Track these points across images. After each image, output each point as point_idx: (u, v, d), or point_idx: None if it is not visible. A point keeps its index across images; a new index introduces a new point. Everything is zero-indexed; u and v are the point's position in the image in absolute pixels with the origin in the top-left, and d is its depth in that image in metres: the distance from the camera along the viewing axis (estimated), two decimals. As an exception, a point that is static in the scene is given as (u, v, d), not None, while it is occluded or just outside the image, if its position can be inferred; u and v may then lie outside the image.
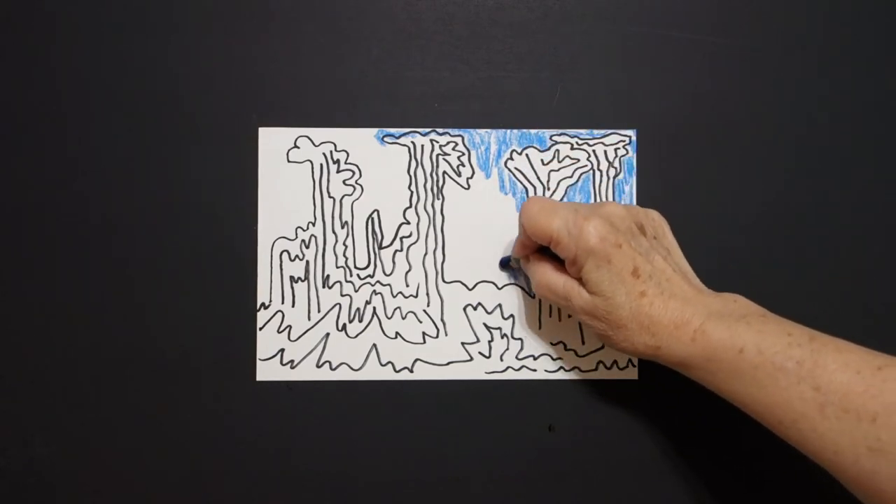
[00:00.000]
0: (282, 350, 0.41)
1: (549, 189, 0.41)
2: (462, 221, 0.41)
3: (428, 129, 0.41)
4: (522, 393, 0.41)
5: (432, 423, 0.41)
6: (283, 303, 0.41)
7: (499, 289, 0.41)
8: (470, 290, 0.41)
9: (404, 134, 0.41)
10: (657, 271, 0.33)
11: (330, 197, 0.41)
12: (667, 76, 0.41)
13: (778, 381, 0.29)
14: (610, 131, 0.41)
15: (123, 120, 0.41)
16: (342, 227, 0.41)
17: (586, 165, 0.41)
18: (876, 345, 0.29)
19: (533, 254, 0.37)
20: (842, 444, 0.27)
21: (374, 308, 0.41)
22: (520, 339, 0.41)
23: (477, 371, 0.41)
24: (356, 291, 0.41)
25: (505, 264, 0.41)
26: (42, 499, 0.40)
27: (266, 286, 0.41)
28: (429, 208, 0.41)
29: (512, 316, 0.41)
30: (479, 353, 0.41)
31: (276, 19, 0.41)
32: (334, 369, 0.41)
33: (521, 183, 0.41)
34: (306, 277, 0.41)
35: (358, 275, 0.41)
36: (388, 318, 0.41)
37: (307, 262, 0.41)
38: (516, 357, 0.41)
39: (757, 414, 0.30)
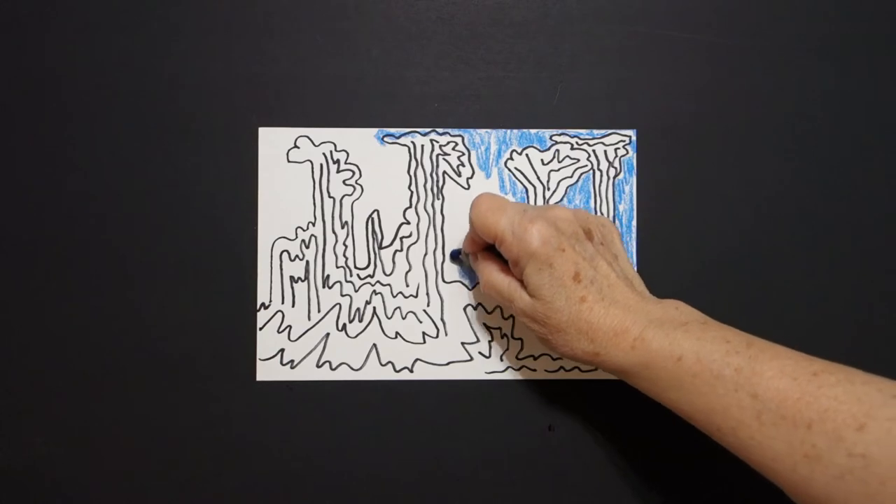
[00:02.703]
0: (282, 350, 0.41)
1: (549, 189, 0.41)
2: (462, 221, 0.41)
3: (428, 129, 0.41)
4: (522, 393, 0.41)
5: (432, 423, 0.41)
6: (283, 303, 0.41)
7: (499, 289, 0.41)
8: (470, 290, 0.41)
9: (404, 134, 0.41)
10: (600, 276, 0.33)
11: (330, 197, 0.41)
12: (667, 76, 0.41)
13: (716, 389, 0.29)
14: (610, 131, 0.41)
15: (123, 120, 0.41)
16: (342, 227, 0.41)
17: (586, 165, 0.41)
18: (872, 346, 0.29)
19: (481, 252, 0.37)
20: (779, 451, 0.27)
21: (374, 308, 0.41)
22: (520, 339, 0.41)
23: (477, 371, 0.41)
24: (356, 291, 0.41)
25: (455, 257, 0.41)
26: (42, 499, 0.40)
27: (266, 286, 0.41)
28: (429, 208, 0.41)
29: (512, 316, 0.41)
30: (479, 353, 0.41)
31: (276, 19, 0.41)
32: (334, 369, 0.41)
33: (521, 183, 0.41)
34: (306, 277, 0.41)
35: (358, 275, 0.41)
36: (388, 318, 0.41)
37: (307, 262, 0.41)
38: (516, 357, 0.41)
39: (696, 422, 0.30)
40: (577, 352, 0.33)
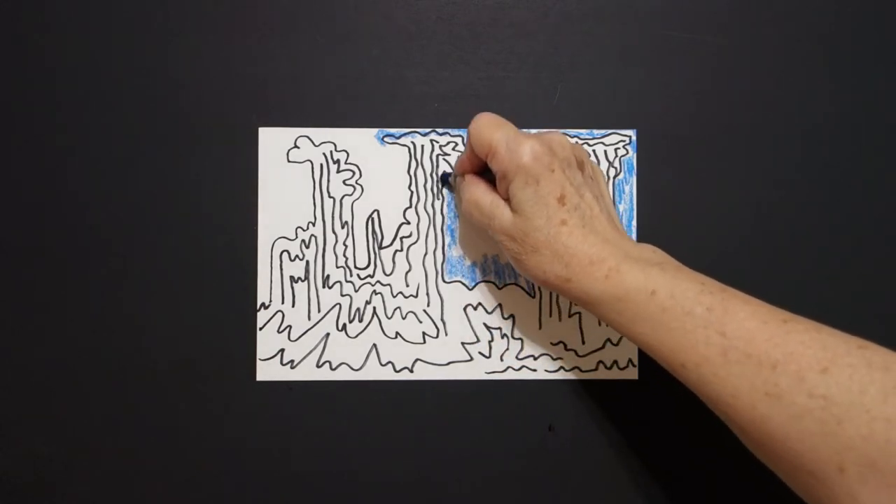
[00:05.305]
0: (282, 350, 0.41)
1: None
2: (462, 221, 0.41)
3: (428, 129, 0.41)
4: (522, 393, 0.41)
5: (432, 423, 0.41)
6: (283, 303, 0.41)
7: (499, 289, 0.41)
8: (470, 290, 0.41)
9: (404, 134, 0.41)
10: (584, 204, 0.33)
11: (330, 197, 0.41)
12: (667, 76, 0.41)
13: (685, 325, 0.29)
14: (610, 131, 0.41)
15: (123, 120, 0.41)
16: (342, 227, 0.41)
17: (586, 165, 0.41)
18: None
19: (469, 175, 0.37)
20: (741, 388, 0.28)
21: (374, 308, 0.41)
22: (520, 339, 0.41)
23: (477, 371, 0.41)
24: (356, 291, 0.41)
25: (444, 180, 0.41)
26: (42, 499, 0.40)
27: (266, 286, 0.41)
28: (429, 208, 0.41)
29: (512, 316, 0.41)
30: (479, 353, 0.41)
31: (276, 19, 0.41)
32: (334, 369, 0.41)
33: (521, 183, 0.41)
34: (306, 277, 0.41)
35: (358, 275, 0.41)
36: (388, 318, 0.41)
37: (307, 262, 0.41)
38: (516, 357, 0.41)
39: (661, 356, 0.30)
40: (548, 275, 0.33)
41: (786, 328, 0.28)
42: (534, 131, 0.41)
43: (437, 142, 0.41)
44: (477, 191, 0.35)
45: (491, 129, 0.34)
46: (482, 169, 0.37)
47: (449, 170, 0.41)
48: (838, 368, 0.26)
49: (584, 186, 0.34)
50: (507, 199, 0.34)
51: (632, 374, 0.41)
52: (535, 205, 0.32)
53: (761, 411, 0.27)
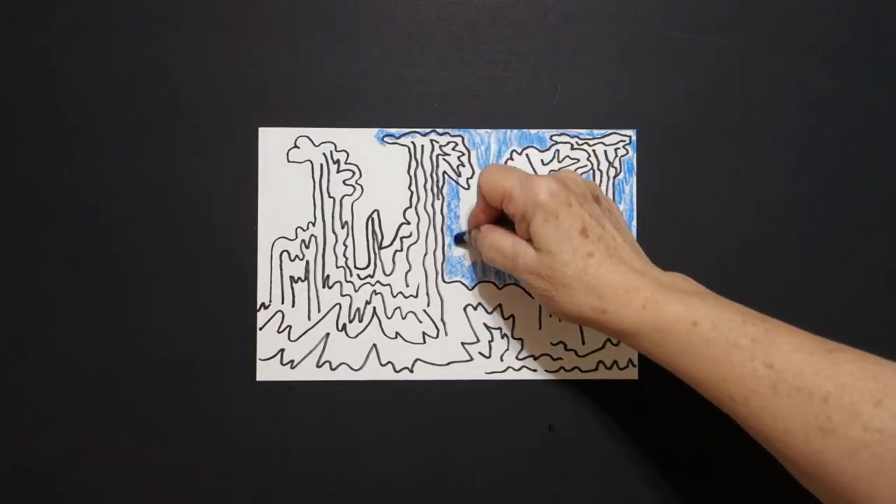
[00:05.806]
0: (282, 350, 0.41)
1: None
2: (462, 222, 0.41)
3: (428, 129, 0.41)
4: (522, 393, 0.41)
5: (432, 423, 0.41)
6: (283, 303, 0.41)
7: (499, 289, 0.41)
8: (470, 290, 0.41)
9: (404, 134, 0.41)
10: (607, 235, 0.33)
11: (330, 197, 0.41)
12: (667, 76, 0.41)
13: (731, 357, 0.28)
14: (610, 131, 0.41)
15: (124, 120, 0.41)
16: (342, 227, 0.41)
17: (586, 165, 0.41)
18: (873, 347, 0.28)
19: (485, 225, 0.37)
20: (792, 422, 0.27)
21: (374, 308, 0.41)
22: (520, 339, 0.41)
23: (477, 371, 0.41)
24: (356, 291, 0.41)
25: (459, 239, 0.41)
26: (42, 499, 0.40)
27: (266, 286, 0.41)
28: (429, 208, 0.41)
29: (512, 316, 0.41)
30: (479, 353, 0.41)
31: (276, 19, 0.41)
32: (334, 369, 0.41)
33: (521, 183, 0.41)
34: (306, 277, 0.41)
35: (358, 275, 0.41)
36: (388, 318, 0.41)
37: (307, 262, 0.41)
38: (516, 357, 0.41)
39: (707, 390, 0.30)
40: (583, 309, 0.32)
41: (833, 359, 0.27)
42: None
43: (437, 142, 0.41)
44: (496, 236, 0.35)
45: (502, 175, 0.34)
46: (496, 220, 0.37)
47: (458, 230, 0.41)
48: (892, 400, 0.25)
49: (604, 218, 0.34)
50: (529, 240, 0.34)
51: (632, 374, 0.41)
52: (557, 240, 0.32)
53: (815, 446, 0.26)
